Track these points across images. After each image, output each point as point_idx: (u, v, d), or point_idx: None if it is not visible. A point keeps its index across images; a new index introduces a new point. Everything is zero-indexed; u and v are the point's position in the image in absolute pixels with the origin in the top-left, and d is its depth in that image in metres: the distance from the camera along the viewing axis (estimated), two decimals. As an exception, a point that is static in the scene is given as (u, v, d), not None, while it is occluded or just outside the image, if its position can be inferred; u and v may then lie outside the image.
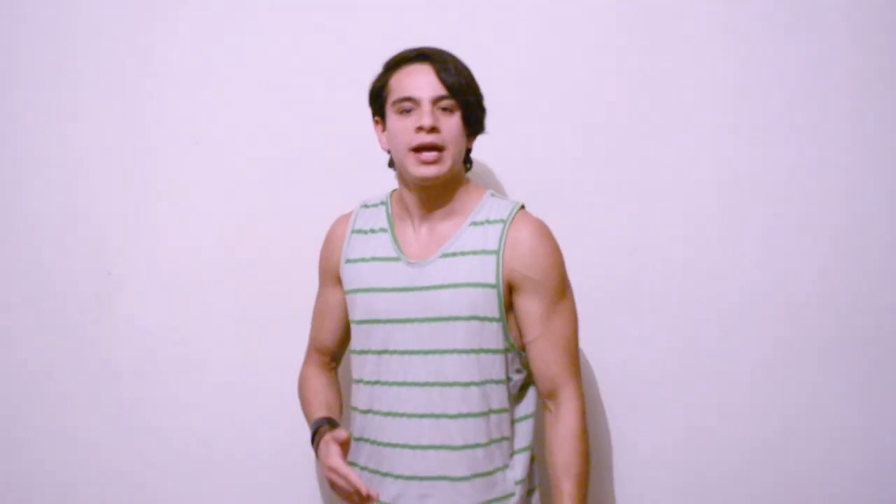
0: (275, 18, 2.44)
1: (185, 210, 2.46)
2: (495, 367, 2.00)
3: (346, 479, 1.92)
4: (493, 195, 2.07)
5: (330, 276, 2.16)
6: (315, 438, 2.05)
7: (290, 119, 2.44)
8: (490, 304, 1.98)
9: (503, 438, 2.03)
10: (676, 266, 2.37)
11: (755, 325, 2.37)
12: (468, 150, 2.08)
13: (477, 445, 1.99)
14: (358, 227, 2.13)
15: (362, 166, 2.36)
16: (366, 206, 2.15)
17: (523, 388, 2.07)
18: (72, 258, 2.46)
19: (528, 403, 2.07)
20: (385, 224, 2.09)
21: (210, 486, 2.46)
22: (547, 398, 2.03)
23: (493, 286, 1.98)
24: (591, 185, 2.38)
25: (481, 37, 2.37)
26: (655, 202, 2.38)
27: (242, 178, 2.45)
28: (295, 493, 2.45)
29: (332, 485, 1.97)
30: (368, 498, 1.91)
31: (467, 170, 2.09)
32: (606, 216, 2.37)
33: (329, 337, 2.19)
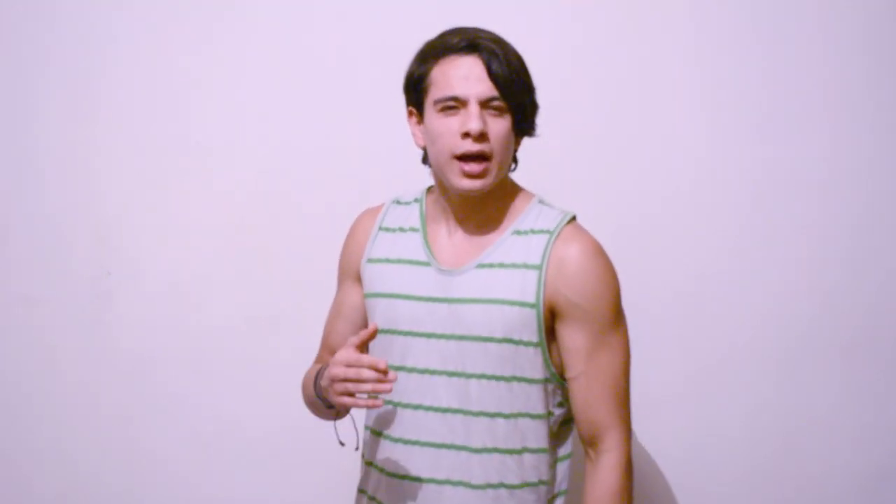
0: (276, 17, 2.44)
1: (186, 210, 2.45)
2: (531, 399, 1.75)
3: (357, 363, 1.63)
4: (541, 202, 1.82)
5: (349, 273, 1.93)
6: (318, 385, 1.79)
7: (291, 119, 2.43)
8: (528, 325, 1.72)
9: (541, 482, 1.77)
10: (676, 269, 2.37)
11: (754, 328, 2.37)
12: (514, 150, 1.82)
13: (501, 486, 1.74)
14: (386, 224, 1.88)
15: (365, 166, 2.37)
16: (398, 202, 1.91)
17: (564, 423, 1.82)
18: (72, 258, 2.46)
19: (569, 442, 1.82)
20: (417, 224, 1.85)
21: (210, 487, 2.46)
22: (587, 444, 1.76)
23: (532, 306, 1.72)
24: (592, 185, 2.37)
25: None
26: (655, 203, 2.37)
27: (244, 178, 2.44)
28: (296, 493, 2.45)
29: (343, 391, 1.65)
30: (387, 376, 1.62)
31: (513, 170, 1.84)
32: (606, 217, 2.36)
33: (340, 341, 1.90)
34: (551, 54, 2.35)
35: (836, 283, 2.37)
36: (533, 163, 2.32)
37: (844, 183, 2.37)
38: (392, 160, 2.36)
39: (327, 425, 2.41)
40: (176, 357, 2.45)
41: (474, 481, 1.74)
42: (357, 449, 1.91)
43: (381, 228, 1.89)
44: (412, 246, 1.83)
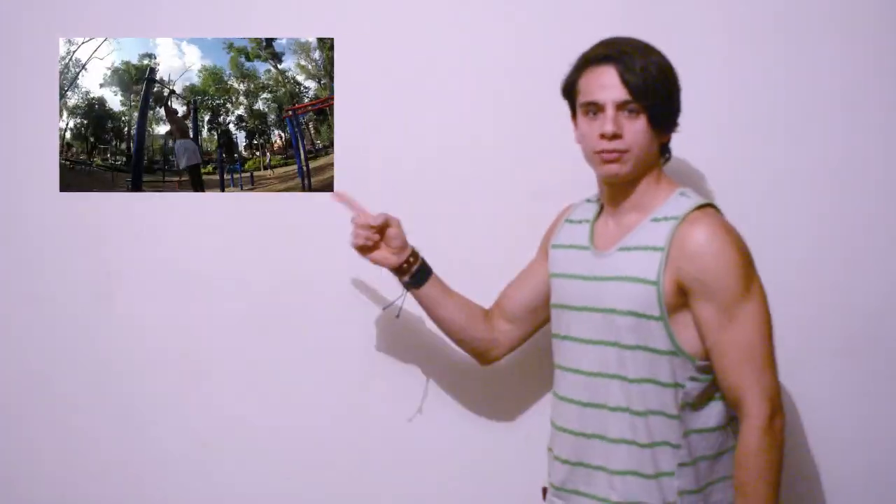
0: (277, 13, 2.44)
1: (186, 210, 2.45)
2: (658, 367, 1.96)
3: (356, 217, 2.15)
4: (682, 193, 2.03)
5: (541, 251, 2.25)
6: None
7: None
8: (650, 301, 1.95)
9: (666, 443, 1.96)
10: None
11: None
12: (664, 144, 2.05)
13: (633, 443, 1.97)
14: (571, 217, 2.19)
15: (363, 166, 2.36)
16: (588, 200, 2.20)
17: (705, 399, 1.99)
18: (72, 258, 2.46)
19: (708, 415, 1.99)
20: (591, 216, 2.14)
21: (210, 487, 2.46)
22: (735, 409, 1.96)
23: (653, 283, 1.94)
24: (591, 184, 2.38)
25: (483, 36, 2.38)
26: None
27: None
28: (296, 494, 2.45)
29: (361, 245, 2.15)
30: (374, 222, 2.12)
31: (665, 161, 2.08)
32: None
33: (508, 292, 2.25)
34: (548, 55, 2.36)
35: (836, 283, 2.38)
36: (536, 162, 2.36)
37: (845, 183, 2.37)
38: (388, 159, 2.38)
39: (327, 425, 2.43)
40: (175, 357, 2.45)
41: (610, 435, 1.99)
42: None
43: (566, 221, 2.20)
44: (580, 234, 2.12)
